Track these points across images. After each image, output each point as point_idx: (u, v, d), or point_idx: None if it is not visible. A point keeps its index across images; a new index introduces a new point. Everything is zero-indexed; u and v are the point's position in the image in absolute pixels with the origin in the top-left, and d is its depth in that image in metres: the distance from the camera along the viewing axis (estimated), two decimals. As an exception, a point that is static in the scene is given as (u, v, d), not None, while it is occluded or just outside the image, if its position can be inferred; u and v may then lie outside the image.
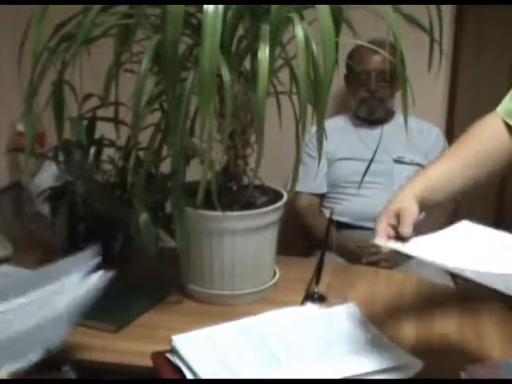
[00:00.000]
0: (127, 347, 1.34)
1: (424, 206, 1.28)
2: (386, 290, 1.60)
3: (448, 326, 1.40)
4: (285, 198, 1.55)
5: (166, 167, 1.47)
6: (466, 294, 1.58)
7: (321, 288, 1.55)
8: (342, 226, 2.33)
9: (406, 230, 1.21)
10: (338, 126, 2.46)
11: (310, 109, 1.35)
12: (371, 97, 2.37)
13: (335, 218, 2.27)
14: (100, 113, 1.67)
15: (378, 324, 1.35)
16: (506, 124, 1.35)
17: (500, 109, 1.37)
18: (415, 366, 1.19)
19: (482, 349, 1.31)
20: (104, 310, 1.42)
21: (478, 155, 1.33)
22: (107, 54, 1.50)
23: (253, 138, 1.51)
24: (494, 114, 1.38)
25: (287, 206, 1.58)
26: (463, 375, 1.18)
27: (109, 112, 1.63)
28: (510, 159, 1.35)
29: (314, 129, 1.38)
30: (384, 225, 1.24)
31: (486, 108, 2.64)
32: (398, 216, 1.24)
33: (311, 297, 1.52)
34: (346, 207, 2.36)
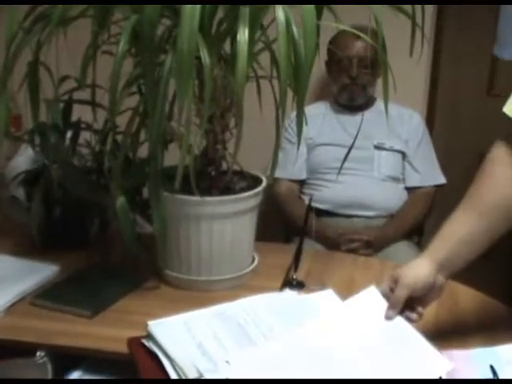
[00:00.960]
0: (103, 333, 1.32)
1: (448, 273, 1.22)
2: (364, 276, 1.59)
3: (425, 312, 1.40)
4: (264, 184, 1.54)
5: (144, 152, 1.45)
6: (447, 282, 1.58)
7: (299, 274, 1.54)
8: (321, 213, 2.32)
9: (389, 312, 1.19)
10: (318, 111, 2.45)
11: (290, 94, 1.34)
12: (352, 83, 2.36)
13: (315, 204, 2.27)
14: (77, 95, 1.64)
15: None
16: None
17: (507, 109, 1.24)
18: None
19: (458, 335, 1.31)
20: (80, 296, 1.42)
21: (499, 211, 1.21)
22: (84, 35, 1.47)
23: (232, 123, 1.49)
24: (501, 145, 1.25)
25: (266, 192, 1.57)
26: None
27: (86, 94, 1.60)
28: None
29: (294, 114, 1.36)
30: (385, 286, 1.22)
31: (466, 92, 2.64)
32: (396, 282, 1.21)
33: (290, 283, 1.51)
34: (326, 194, 2.35)
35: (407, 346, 1.15)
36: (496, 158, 1.24)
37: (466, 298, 1.50)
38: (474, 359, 1.18)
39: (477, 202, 1.22)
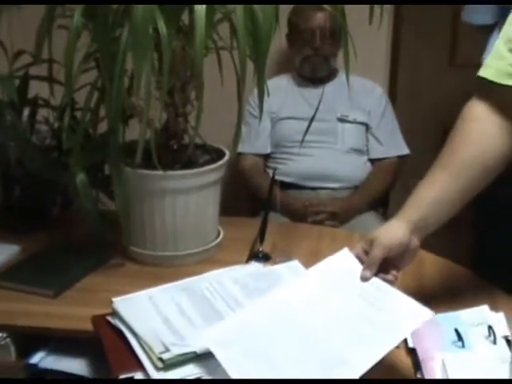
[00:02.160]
0: (67, 312, 1.30)
1: (422, 234, 1.21)
2: (330, 247, 1.57)
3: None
4: (227, 157, 1.53)
5: (104, 128, 1.42)
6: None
7: (265, 247, 1.54)
8: (287, 186, 2.32)
9: (365, 273, 1.18)
10: (281, 85, 2.43)
11: (251, 66, 1.32)
12: (315, 55, 2.35)
13: (280, 178, 2.27)
14: (33, 71, 1.60)
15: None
16: (491, 95, 1.21)
17: (491, 73, 1.21)
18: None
19: (424, 300, 1.31)
20: (42, 275, 1.40)
21: (475, 168, 1.20)
22: (39, 8, 1.43)
23: (193, 95, 1.47)
24: (477, 102, 1.23)
25: (232, 168, 1.56)
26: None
27: (43, 70, 1.56)
28: (508, 156, 1.21)
29: (256, 89, 1.35)
30: (358, 249, 1.21)
31: (428, 64, 2.64)
32: (371, 244, 1.19)
33: (256, 256, 1.51)
34: (291, 167, 2.35)
35: (385, 300, 1.14)
36: (470, 115, 1.23)
37: (431, 264, 1.51)
38: (439, 323, 1.19)
39: (452, 161, 1.21)
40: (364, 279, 1.18)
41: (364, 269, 1.18)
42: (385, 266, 1.19)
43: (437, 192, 1.20)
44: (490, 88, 1.21)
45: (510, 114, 1.20)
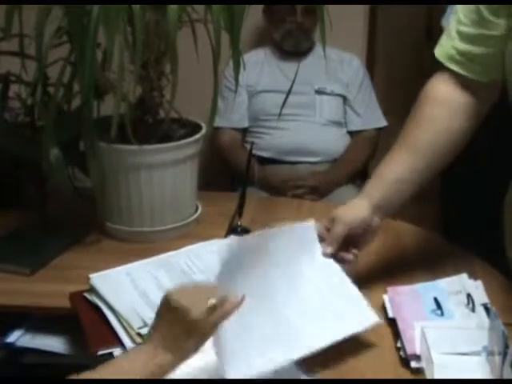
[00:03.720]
0: (44, 289, 1.28)
1: (384, 213, 1.22)
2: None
3: (372, 250, 1.41)
4: (204, 131, 1.51)
5: (78, 104, 1.40)
6: (387, 220, 1.59)
7: (244, 221, 1.53)
8: (265, 161, 2.31)
9: (326, 249, 1.17)
10: (257, 58, 2.41)
11: (227, 39, 1.31)
12: (297, 28, 2.33)
13: (258, 153, 2.26)
14: (3, 46, 1.56)
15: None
16: (451, 72, 1.21)
17: (440, 53, 1.22)
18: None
19: (402, 271, 1.32)
20: (17, 253, 1.38)
21: (434, 150, 1.20)
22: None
23: (168, 69, 1.45)
24: (439, 78, 1.24)
25: (209, 142, 1.54)
26: (386, 297, 1.19)
27: (13, 45, 1.53)
28: (470, 121, 1.22)
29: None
30: (320, 226, 1.20)
31: (406, 35, 2.63)
32: (333, 222, 1.19)
33: (234, 230, 1.50)
34: (269, 141, 2.33)
35: (337, 293, 1.13)
36: (432, 92, 1.23)
37: (406, 233, 1.51)
38: (418, 293, 1.19)
39: (412, 142, 1.21)
40: (325, 255, 1.18)
41: (325, 245, 1.18)
42: (346, 244, 1.19)
43: (399, 171, 1.20)
44: (445, 66, 1.22)
45: (470, 89, 1.21)
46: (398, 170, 1.21)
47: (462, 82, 1.20)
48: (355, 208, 1.21)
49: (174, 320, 0.88)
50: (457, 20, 1.19)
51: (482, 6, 1.13)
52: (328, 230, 1.19)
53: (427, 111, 1.22)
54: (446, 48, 1.21)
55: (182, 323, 0.88)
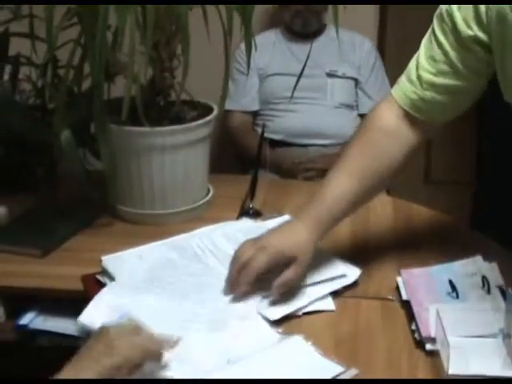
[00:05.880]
0: (56, 271, 1.28)
1: (324, 230, 1.17)
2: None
3: (383, 233, 1.40)
4: (215, 112, 1.50)
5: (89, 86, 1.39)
6: (401, 202, 1.58)
7: (256, 204, 1.52)
8: (276, 143, 2.30)
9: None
10: (268, 40, 2.39)
11: (238, 21, 1.29)
12: (306, 9, 2.30)
13: (269, 135, 2.24)
14: (14, 28, 1.56)
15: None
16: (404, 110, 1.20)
17: (400, 95, 1.20)
18: (354, 273, 1.19)
19: (416, 253, 1.31)
20: (29, 236, 1.38)
21: (374, 176, 1.19)
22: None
23: (179, 50, 1.43)
24: (389, 106, 1.22)
25: (220, 125, 1.53)
26: (399, 280, 1.18)
27: (23, 27, 1.52)
28: (411, 155, 1.21)
29: (243, 44, 1.32)
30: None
31: (417, 17, 2.59)
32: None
33: (246, 212, 1.49)
34: (279, 124, 2.32)
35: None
36: (379, 124, 1.21)
37: (422, 216, 1.50)
38: (433, 275, 1.18)
39: (353, 167, 1.19)
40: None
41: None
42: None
43: (339, 190, 1.18)
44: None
45: (420, 127, 1.20)
46: (337, 189, 1.18)
47: (415, 120, 1.19)
48: (292, 236, 1.15)
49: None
50: (418, 65, 1.17)
51: (456, 59, 1.12)
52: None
53: (370, 140, 1.21)
54: (407, 92, 1.19)
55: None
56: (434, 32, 1.16)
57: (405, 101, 1.19)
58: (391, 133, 1.20)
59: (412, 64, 1.19)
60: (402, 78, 1.21)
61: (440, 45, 1.14)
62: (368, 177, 1.19)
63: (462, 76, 1.14)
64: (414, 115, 1.19)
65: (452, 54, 1.13)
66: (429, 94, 1.16)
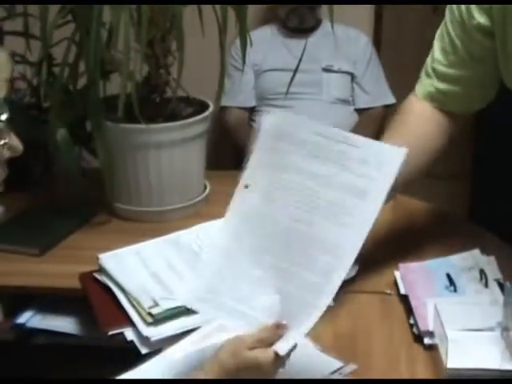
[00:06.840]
0: (53, 270, 1.28)
1: None
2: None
3: (381, 227, 1.39)
4: (211, 109, 1.49)
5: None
6: (399, 196, 1.58)
7: (253, 200, 1.51)
8: (272, 139, 2.29)
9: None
10: (264, 36, 2.38)
11: (233, 17, 1.29)
12: (302, 5, 2.30)
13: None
14: (8, 26, 1.55)
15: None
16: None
17: (421, 92, 1.24)
18: (352, 268, 1.18)
19: (416, 247, 1.31)
20: (26, 235, 1.38)
21: (422, 148, 1.20)
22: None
23: (174, 46, 1.43)
24: (415, 98, 1.26)
25: (216, 121, 1.53)
26: (397, 274, 1.18)
27: (18, 25, 1.52)
28: (448, 141, 1.24)
29: (238, 40, 1.32)
30: None
31: (412, 12, 2.59)
32: None
33: (243, 209, 1.48)
34: (276, 120, 2.31)
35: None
36: (411, 111, 1.25)
37: (418, 210, 1.50)
38: (431, 270, 1.18)
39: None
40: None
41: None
42: None
43: None
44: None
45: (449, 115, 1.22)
46: None
47: (441, 111, 1.23)
48: None
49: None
50: (433, 58, 1.21)
51: (462, 50, 1.15)
52: None
53: (405, 130, 1.22)
54: (426, 86, 1.23)
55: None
56: (445, 24, 1.19)
57: (424, 94, 1.23)
58: (428, 118, 1.23)
59: (428, 58, 1.23)
60: (422, 73, 1.25)
61: (449, 36, 1.17)
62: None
63: (468, 66, 1.17)
64: (437, 107, 1.22)
65: (458, 44, 1.16)
66: (444, 86, 1.20)
